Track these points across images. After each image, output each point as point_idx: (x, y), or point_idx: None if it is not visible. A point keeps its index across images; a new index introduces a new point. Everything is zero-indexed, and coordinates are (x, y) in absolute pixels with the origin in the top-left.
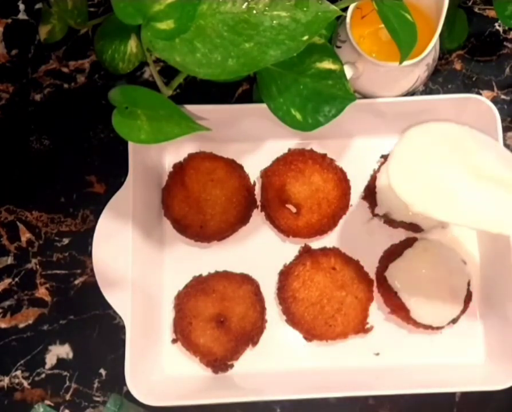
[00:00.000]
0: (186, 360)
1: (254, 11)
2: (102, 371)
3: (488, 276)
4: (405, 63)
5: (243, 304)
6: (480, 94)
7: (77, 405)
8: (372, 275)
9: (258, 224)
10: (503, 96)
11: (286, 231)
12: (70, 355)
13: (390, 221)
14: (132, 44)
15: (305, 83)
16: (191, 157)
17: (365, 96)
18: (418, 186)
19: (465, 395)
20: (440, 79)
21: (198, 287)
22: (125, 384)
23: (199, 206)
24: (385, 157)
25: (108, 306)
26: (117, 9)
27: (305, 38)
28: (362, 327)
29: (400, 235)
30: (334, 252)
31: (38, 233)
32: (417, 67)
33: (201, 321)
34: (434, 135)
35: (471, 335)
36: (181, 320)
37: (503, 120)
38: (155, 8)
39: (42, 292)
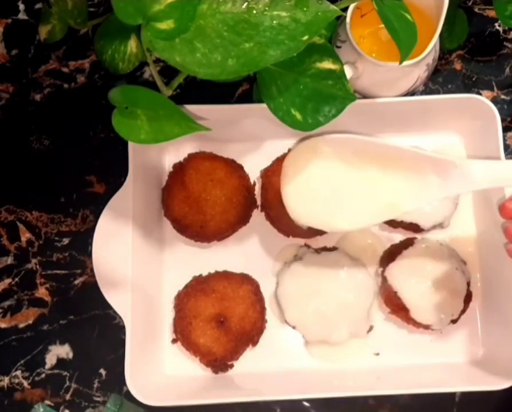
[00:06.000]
0: (186, 360)
1: (254, 11)
2: (102, 371)
3: (488, 276)
4: (405, 63)
5: (243, 304)
6: (480, 94)
7: (77, 405)
8: (372, 275)
9: (258, 224)
10: (503, 96)
11: (286, 231)
12: (70, 355)
13: (390, 221)
14: (132, 44)
15: (305, 83)
16: (191, 157)
17: (365, 96)
18: (312, 205)
19: (465, 395)
20: (440, 79)
21: (198, 287)
22: (125, 384)
23: (199, 206)
24: None
25: (108, 306)
26: (117, 9)
27: (305, 38)
28: None
29: (399, 235)
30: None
31: (38, 233)
32: (417, 67)
33: (201, 321)
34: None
35: (471, 335)
36: (181, 320)
37: (503, 120)
38: (155, 8)
39: (42, 292)
